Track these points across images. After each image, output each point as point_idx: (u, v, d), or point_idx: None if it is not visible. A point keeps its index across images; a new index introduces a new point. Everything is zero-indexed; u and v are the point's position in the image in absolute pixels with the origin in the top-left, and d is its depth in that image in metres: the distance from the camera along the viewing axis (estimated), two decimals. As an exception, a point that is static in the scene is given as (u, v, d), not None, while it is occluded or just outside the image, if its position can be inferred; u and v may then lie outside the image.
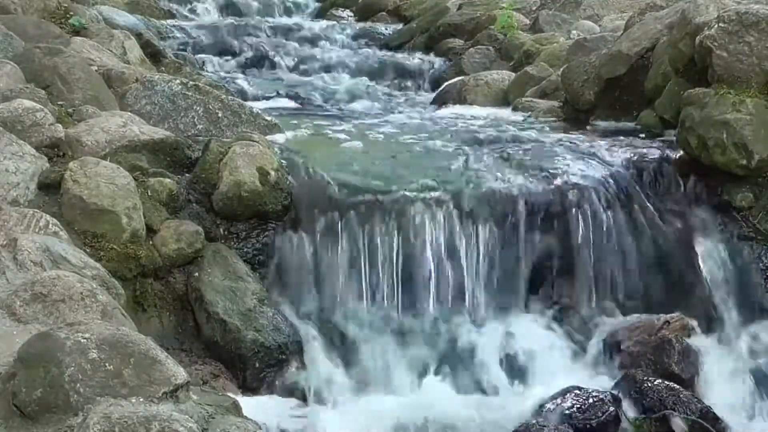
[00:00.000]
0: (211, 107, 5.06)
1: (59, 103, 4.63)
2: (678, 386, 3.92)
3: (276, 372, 3.90)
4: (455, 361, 4.13)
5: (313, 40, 8.93)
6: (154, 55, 6.87)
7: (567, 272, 4.45)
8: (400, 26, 9.61)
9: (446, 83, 7.34)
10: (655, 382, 3.91)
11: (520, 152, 4.83)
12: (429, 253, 4.29)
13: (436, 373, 4.11)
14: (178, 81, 5.22)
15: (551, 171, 4.60)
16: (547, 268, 4.44)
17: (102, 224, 3.89)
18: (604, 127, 5.46)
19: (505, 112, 6.15)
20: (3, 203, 3.82)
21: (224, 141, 4.51)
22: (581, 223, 4.44)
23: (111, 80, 5.18)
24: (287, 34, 8.96)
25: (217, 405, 2.85)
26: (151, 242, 4.02)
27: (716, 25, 4.66)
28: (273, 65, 8.18)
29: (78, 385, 2.55)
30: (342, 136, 5.19)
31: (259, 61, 8.20)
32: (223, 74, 7.69)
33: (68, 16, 6.51)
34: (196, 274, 4.03)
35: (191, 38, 8.41)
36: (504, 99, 6.63)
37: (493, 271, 4.37)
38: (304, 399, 3.89)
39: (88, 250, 3.76)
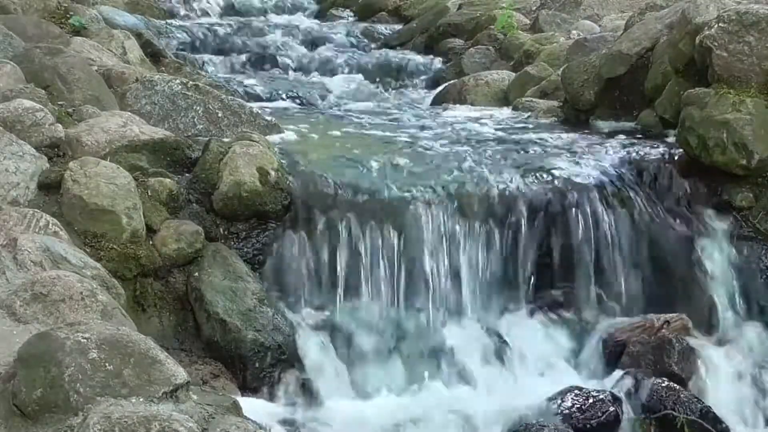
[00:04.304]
0: (211, 107, 5.05)
1: (59, 103, 4.63)
2: (678, 386, 3.92)
3: (276, 372, 3.90)
4: (455, 361, 4.13)
5: (313, 40, 8.92)
6: (154, 55, 6.86)
7: (567, 272, 4.44)
8: (400, 26, 9.59)
9: (446, 83, 7.34)
10: (655, 382, 3.91)
11: (520, 152, 4.83)
12: (428, 252, 4.29)
13: (436, 372, 4.11)
14: (178, 81, 5.22)
15: (551, 171, 4.60)
16: (547, 268, 4.44)
17: (102, 224, 3.89)
18: (604, 127, 5.45)
19: (505, 112, 6.14)
20: (3, 203, 3.82)
21: (224, 141, 4.51)
22: (581, 223, 4.44)
23: (111, 80, 5.18)
24: (287, 34, 8.95)
25: (217, 405, 2.85)
26: (151, 242, 4.03)
27: (716, 25, 4.66)
28: (273, 65, 8.17)
29: (78, 385, 2.55)
30: (342, 136, 5.19)
31: (259, 61, 8.19)
32: (223, 74, 7.69)
33: (68, 16, 6.51)
34: (196, 274, 4.03)
35: (191, 38, 8.41)
36: (504, 99, 6.62)
37: (493, 271, 4.37)
38: (303, 399, 3.89)
39: (88, 250, 3.76)
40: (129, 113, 4.69)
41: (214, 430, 2.66)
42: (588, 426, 3.72)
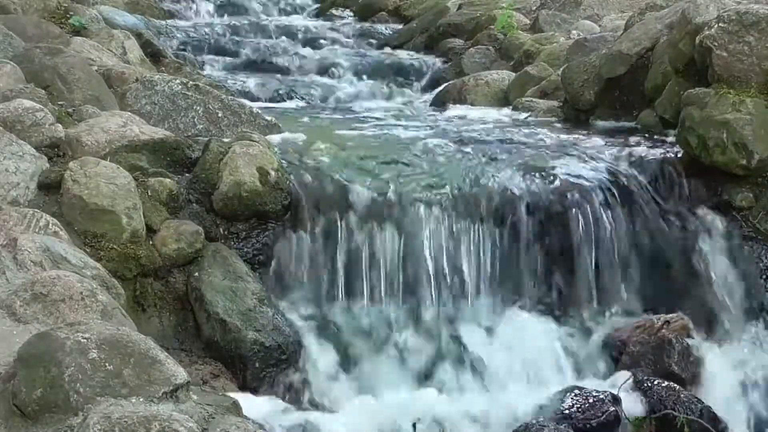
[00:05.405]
0: (211, 107, 5.06)
1: (59, 103, 4.63)
2: (678, 386, 3.92)
3: (276, 372, 3.90)
4: (455, 361, 4.13)
5: (312, 40, 8.92)
6: (154, 55, 6.86)
7: (567, 272, 4.44)
8: (400, 26, 9.59)
9: (446, 83, 7.34)
10: (655, 382, 3.91)
11: (520, 152, 4.83)
12: (429, 252, 4.29)
13: (436, 372, 4.11)
14: (178, 81, 5.22)
15: (551, 171, 4.60)
16: (547, 268, 4.44)
17: (102, 224, 3.89)
18: (604, 127, 5.46)
19: (505, 112, 6.15)
20: (3, 203, 3.82)
21: (224, 141, 4.51)
22: (581, 223, 4.44)
23: (111, 80, 5.18)
24: (287, 34, 8.95)
25: (217, 405, 2.85)
26: (151, 242, 4.03)
27: (716, 25, 4.66)
28: (273, 65, 8.17)
29: (78, 385, 2.55)
30: (342, 136, 5.19)
31: (259, 61, 8.19)
32: (223, 74, 7.69)
33: (68, 16, 6.52)
34: (196, 274, 4.03)
35: (191, 38, 8.41)
36: (504, 99, 6.63)
37: (493, 271, 4.37)
38: (303, 399, 3.89)
39: (88, 250, 3.76)
40: (129, 113, 4.69)
41: (214, 430, 2.67)
42: (588, 426, 3.71)
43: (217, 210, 4.26)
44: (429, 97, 7.32)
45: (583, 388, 3.86)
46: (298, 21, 9.91)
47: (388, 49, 8.80)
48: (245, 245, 4.24)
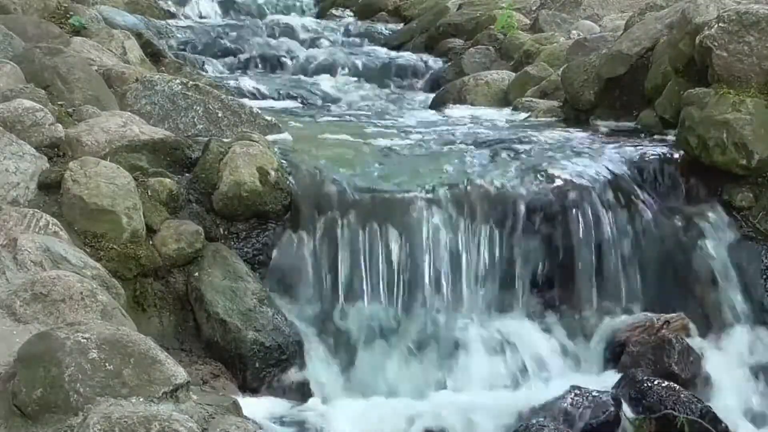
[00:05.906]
0: (211, 107, 5.05)
1: (59, 103, 4.63)
2: (678, 386, 3.92)
3: (276, 372, 3.90)
4: (455, 362, 4.13)
5: (313, 40, 8.93)
6: (154, 55, 6.86)
7: (567, 272, 4.44)
8: (400, 26, 9.61)
9: (446, 83, 7.34)
10: (655, 382, 3.91)
11: (520, 152, 4.83)
12: (429, 253, 4.29)
13: (436, 372, 4.11)
14: (178, 81, 5.22)
15: (551, 171, 4.60)
16: (547, 268, 4.44)
17: (102, 224, 3.89)
18: (604, 127, 5.45)
19: (505, 112, 6.15)
20: (3, 203, 3.82)
21: (224, 141, 4.51)
22: (581, 223, 4.44)
23: (111, 80, 5.18)
24: (287, 34, 8.96)
25: (217, 405, 2.85)
26: (151, 242, 4.03)
27: (716, 25, 4.66)
28: (273, 65, 8.18)
29: (78, 385, 2.55)
30: (342, 136, 5.19)
31: (259, 61, 8.20)
32: (223, 74, 7.69)
33: (68, 16, 6.52)
34: (196, 274, 4.03)
35: (191, 38, 8.41)
36: (504, 99, 6.63)
37: (493, 271, 4.37)
38: (304, 399, 3.90)
39: (88, 250, 3.76)
40: (129, 113, 4.69)
41: (214, 430, 2.67)
42: (588, 426, 3.71)
43: (217, 210, 4.26)
44: (429, 97, 7.32)
45: (583, 388, 3.86)
46: (298, 21, 9.91)
47: (388, 49, 8.80)
48: (245, 245, 4.24)
